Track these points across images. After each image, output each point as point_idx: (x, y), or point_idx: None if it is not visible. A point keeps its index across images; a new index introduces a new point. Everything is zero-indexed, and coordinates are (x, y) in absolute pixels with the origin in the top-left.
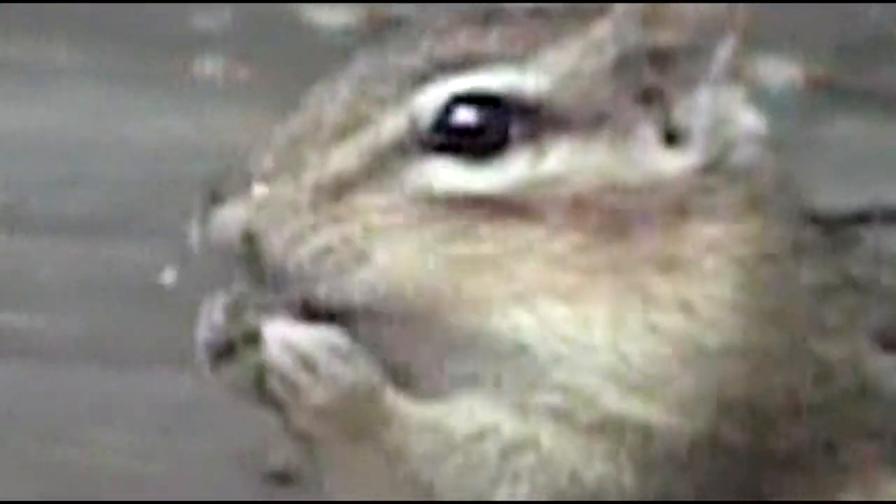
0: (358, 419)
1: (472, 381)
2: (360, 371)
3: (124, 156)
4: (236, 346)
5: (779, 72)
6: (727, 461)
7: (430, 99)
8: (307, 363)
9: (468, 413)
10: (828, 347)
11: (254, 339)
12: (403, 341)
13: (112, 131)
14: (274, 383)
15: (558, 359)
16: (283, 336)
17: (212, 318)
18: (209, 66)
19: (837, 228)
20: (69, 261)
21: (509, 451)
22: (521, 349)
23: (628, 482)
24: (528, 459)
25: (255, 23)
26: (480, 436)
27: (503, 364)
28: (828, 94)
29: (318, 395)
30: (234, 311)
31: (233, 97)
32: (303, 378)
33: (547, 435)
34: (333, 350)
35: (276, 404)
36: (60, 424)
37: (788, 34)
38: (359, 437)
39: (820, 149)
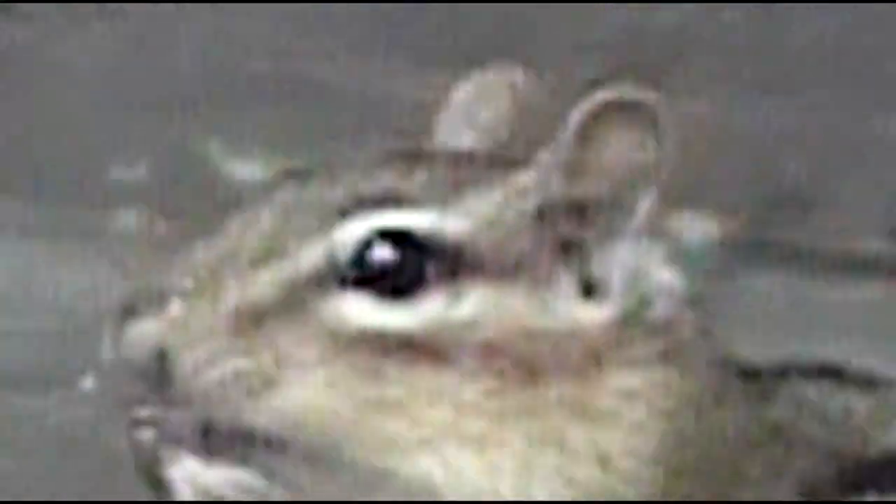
0: None
1: None
2: None
3: (40, 309)
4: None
5: (696, 227)
6: None
7: (350, 234)
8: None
9: None
10: (750, 499)
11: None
12: (310, 476)
13: (30, 285)
14: None
15: None
16: (193, 477)
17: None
18: (126, 220)
19: (758, 380)
20: None
21: None
22: (431, 496)
23: None
24: None
25: (172, 176)
26: None
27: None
28: (744, 248)
29: None
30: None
31: (150, 250)
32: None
33: None
34: (245, 492)
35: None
36: None
37: (706, 189)
38: None
39: (737, 303)
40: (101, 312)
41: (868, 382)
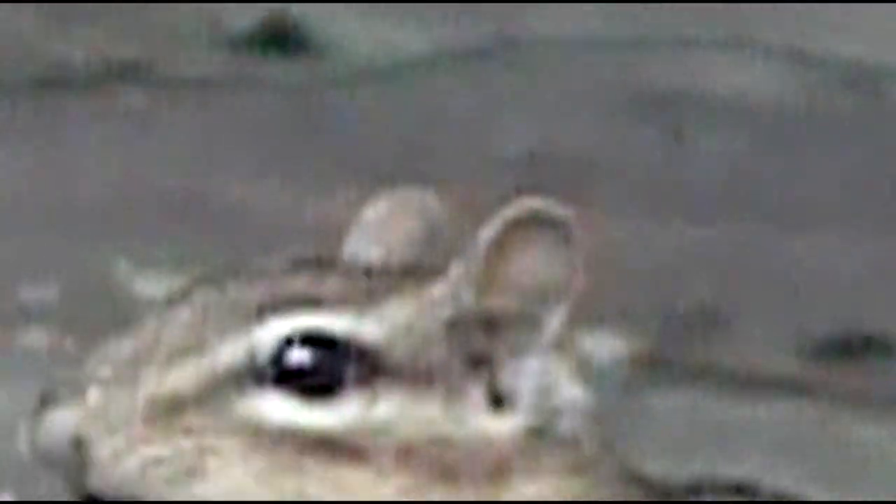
0: None
1: None
2: None
3: None
4: None
5: (603, 345)
6: None
7: (268, 334)
8: None
9: None
10: None
11: None
12: None
13: None
14: None
15: None
16: None
17: None
18: (36, 338)
19: (667, 498)
20: None
21: None
22: None
23: None
24: None
25: (81, 294)
26: None
27: None
28: (652, 368)
29: None
30: None
31: (58, 368)
32: None
33: None
34: None
35: None
36: None
37: (613, 308)
38: None
39: (645, 422)
40: (9, 429)
41: (782, 502)
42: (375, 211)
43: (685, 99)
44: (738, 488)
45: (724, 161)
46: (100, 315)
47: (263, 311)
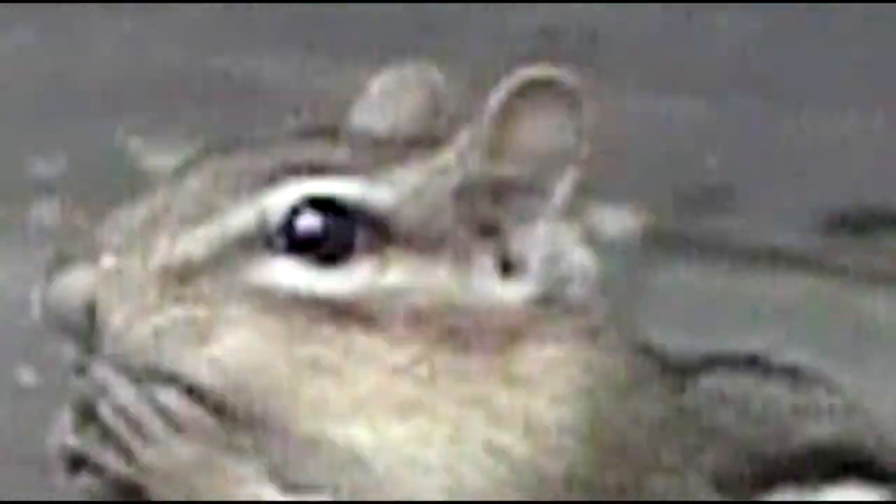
0: (199, 487)
1: (311, 488)
2: (190, 446)
3: None
4: (87, 451)
5: (614, 220)
6: None
7: (280, 199)
8: (136, 426)
9: None
10: (662, 484)
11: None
12: (240, 431)
13: None
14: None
15: (395, 476)
16: (116, 396)
17: (61, 425)
18: (45, 213)
19: (677, 370)
20: None
21: None
22: (358, 463)
23: None
24: None
25: (91, 170)
26: None
27: (340, 474)
28: (663, 242)
29: (148, 456)
30: (83, 415)
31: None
32: (132, 439)
33: None
34: (167, 415)
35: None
36: None
37: (625, 183)
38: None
39: (655, 297)
40: (22, 303)
41: (792, 376)
42: (381, 84)
43: None
44: (749, 361)
45: (737, 38)
46: (111, 189)
47: (274, 177)
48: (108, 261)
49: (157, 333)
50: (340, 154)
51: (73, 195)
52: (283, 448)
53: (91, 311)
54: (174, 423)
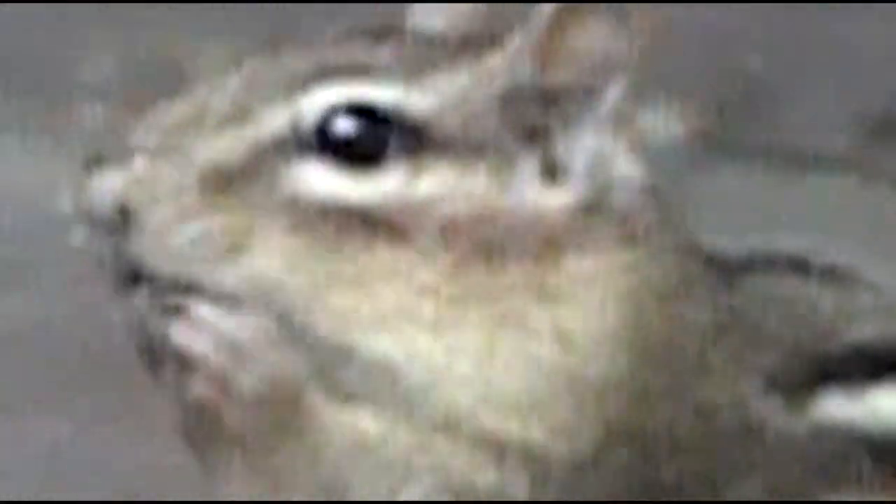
0: (284, 414)
1: (350, 395)
2: (290, 362)
3: (4, 206)
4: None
5: (660, 125)
6: (613, 484)
7: (314, 102)
8: (236, 351)
9: (371, 418)
10: (710, 388)
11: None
12: (275, 339)
13: None
14: (196, 376)
15: (429, 386)
16: (211, 323)
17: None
18: (93, 116)
19: (723, 270)
20: None
21: (406, 454)
22: (391, 373)
23: (518, 493)
24: (423, 461)
25: (140, 70)
26: (384, 439)
27: (377, 382)
28: (707, 146)
29: (248, 383)
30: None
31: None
32: (231, 365)
33: (438, 442)
34: (265, 338)
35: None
36: None
37: (669, 87)
38: (283, 434)
39: (700, 203)
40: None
41: (834, 277)
42: None
43: None
44: (793, 262)
45: None
46: (158, 91)
47: (309, 79)
48: (140, 163)
49: (193, 241)
50: (383, 55)
51: (120, 96)
52: (320, 356)
53: (124, 213)
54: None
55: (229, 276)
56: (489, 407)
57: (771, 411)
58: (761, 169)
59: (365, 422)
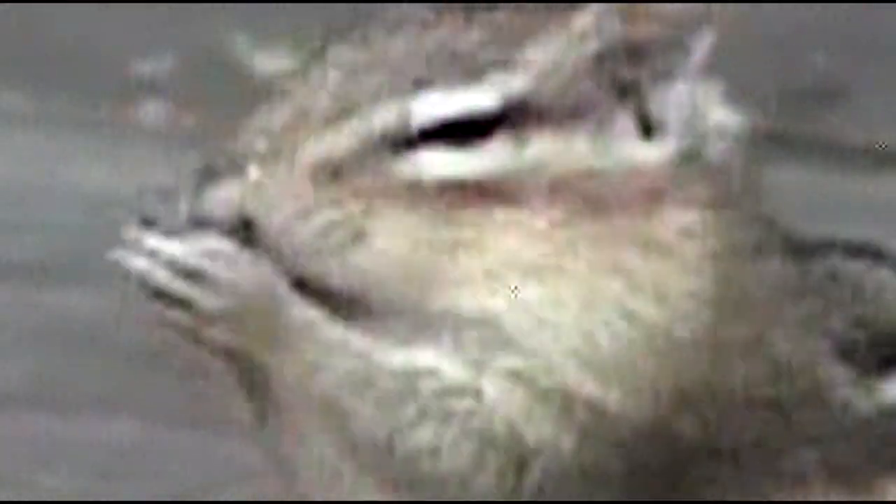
0: (263, 327)
1: (432, 343)
2: (251, 275)
3: (67, 202)
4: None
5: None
6: (665, 450)
7: (423, 106)
8: (191, 274)
9: (405, 354)
10: (787, 347)
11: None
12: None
13: (55, 178)
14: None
15: (525, 333)
16: (160, 251)
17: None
18: (153, 112)
19: (800, 248)
20: (11, 307)
21: (445, 392)
22: (488, 321)
23: (565, 449)
24: (465, 403)
25: (197, 69)
26: (414, 374)
27: (468, 330)
28: (771, 142)
29: (210, 302)
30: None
31: (177, 143)
32: (190, 290)
33: (494, 388)
34: (216, 256)
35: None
36: (1, 469)
37: (731, 82)
38: (271, 348)
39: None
40: (126, 206)
41: None
42: None
43: None
44: (862, 249)
45: None
46: (217, 89)
47: (413, 77)
48: (255, 171)
49: (318, 235)
50: (475, 35)
51: (178, 95)
52: (409, 326)
53: (244, 223)
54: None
55: (353, 263)
56: (577, 361)
57: (839, 382)
58: (823, 166)
59: (388, 354)
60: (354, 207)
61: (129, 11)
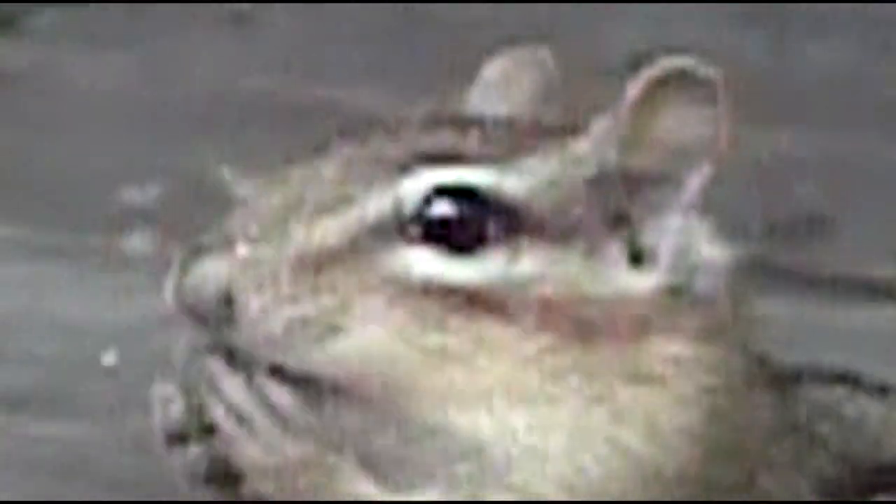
0: (306, 490)
1: (426, 477)
2: (299, 443)
3: (50, 332)
4: (191, 432)
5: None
6: None
7: (414, 188)
8: (242, 419)
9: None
10: (771, 486)
11: (208, 428)
12: (364, 424)
13: (37, 307)
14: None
15: (514, 463)
16: (226, 389)
17: (167, 404)
18: (139, 242)
19: (778, 380)
20: None
21: None
22: (478, 449)
23: None
24: None
25: (184, 199)
26: None
27: (459, 462)
28: (756, 273)
29: (252, 452)
30: (189, 397)
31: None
32: (237, 431)
33: None
34: (274, 415)
35: (228, 485)
36: None
37: (717, 213)
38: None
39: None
40: (110, 337)
41: (881, 391)
42: (496, 69)
43: (791, 4)
44: (841, 377)
45: (830, 67)
46: (203, 218)
47: (408, 165)
48: (243, 249)
49: (290, 327)
50: (472, 141)
51: (165, 223)
52: (397, 438)
53: (226, 299)
54: (283, 422)
55: (326, 358)
56: (566, 491)
57: None
58: (809, 295)
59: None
60: (332, 301)
61: (114, 141)
